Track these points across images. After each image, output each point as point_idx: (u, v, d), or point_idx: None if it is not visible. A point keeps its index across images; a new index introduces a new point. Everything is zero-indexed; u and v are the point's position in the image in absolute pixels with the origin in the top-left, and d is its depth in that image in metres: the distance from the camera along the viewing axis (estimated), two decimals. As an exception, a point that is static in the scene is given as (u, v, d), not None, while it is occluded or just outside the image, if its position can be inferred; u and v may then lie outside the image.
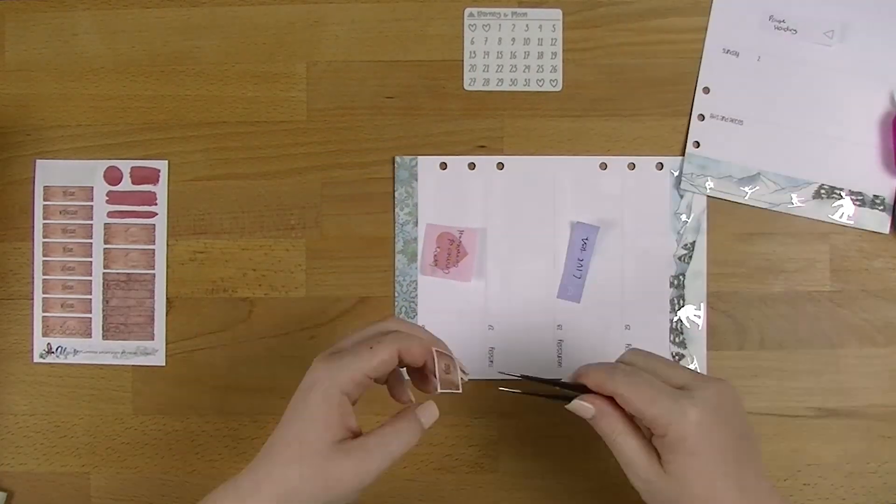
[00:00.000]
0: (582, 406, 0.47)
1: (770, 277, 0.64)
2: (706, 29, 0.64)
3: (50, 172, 0.66)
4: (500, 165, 0.64)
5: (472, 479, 0.64)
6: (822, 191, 0.63)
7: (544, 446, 0.64)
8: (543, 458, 0.64)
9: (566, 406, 0.48)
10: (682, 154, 0.64)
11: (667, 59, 0.64)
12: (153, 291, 0.65)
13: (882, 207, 0.63)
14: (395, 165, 0.65)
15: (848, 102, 0.63)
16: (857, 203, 0.63)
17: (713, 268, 0.64)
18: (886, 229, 0.63)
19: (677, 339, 0.63)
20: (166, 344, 0.65)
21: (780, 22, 0.63)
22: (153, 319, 0.65)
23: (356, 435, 0.47)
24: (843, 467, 0.63)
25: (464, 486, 0.64)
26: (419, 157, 0.64)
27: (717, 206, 0.64)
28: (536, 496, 0.64)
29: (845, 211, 0.63)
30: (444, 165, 0.64)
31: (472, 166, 0.64)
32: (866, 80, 0.63)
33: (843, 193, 0.63)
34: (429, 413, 0.49)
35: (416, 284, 0.64)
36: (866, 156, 0.63)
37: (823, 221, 0.63)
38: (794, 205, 0.63)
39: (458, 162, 0.64)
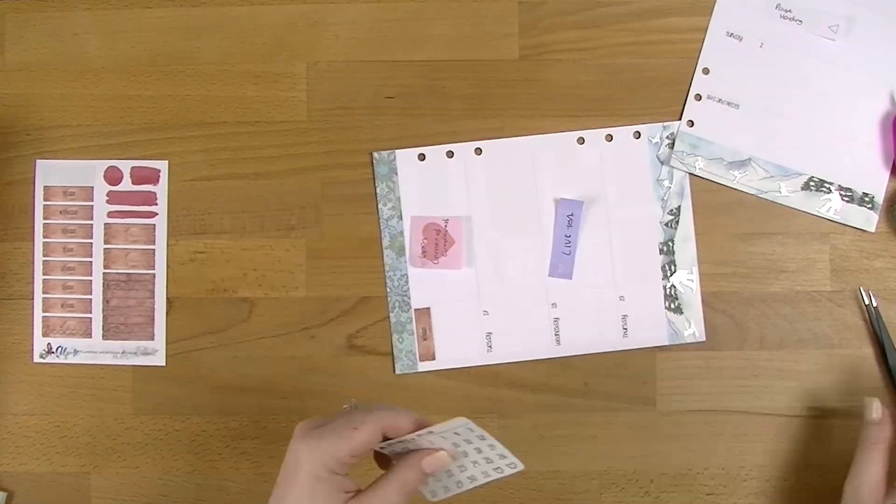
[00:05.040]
0: (875, 405, 0.54)
1: (770, 277, 0.64)
2: (709, 18, 0.64)
3: (50, 172, 0.66)
4: (479, 151, 0.64)
5: (472, 479, 0.64)
6: (812, 183, 0.63)
7: (544, 446, 0.64)
8: (543, 458, 0.64)
9: (866, 398, 0.55)
10: (659, 122, 0.64)
11: (667, 59, 0.64)
12: (153, 291, 0.65)
13: (871, 206, 0.63)
14: (374, 161, 0.65)
15: (846, 98, 0.63)
16: (846, 199, 0.63)
17: (713, 268, 0.64)
18: (873, 227, 0.63)
19: (672, 305, 0.64)
20: (166, 344, 0.65)
21: (786, 11, 0.63)
22: (153, 319, 0.65)
23: (356, 491, 0.45)
24: (843, 467, 0.63)
25: (464, 486, 0.64)
26: (397, 150, 0.64)
27: (718, 206, 0.64)
28: (536, 496, 0.64)
29: (833, 205, 0.63)
30: (422, 157, 0.65)
31: (450, 154, 0.64)
32: (867, 77, 0.63)
33: (832, 188, 0.63)
34: (435, 461, 0.46)
35: (408, 278, 0.64)
36: (860, 153, 0.63)
37: (809, 213, 0.63)
38: (782, 194, 0.63)
39: (436, 151, 0.64)
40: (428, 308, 0.64)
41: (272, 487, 0.65)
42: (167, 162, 0.66)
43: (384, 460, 0.49)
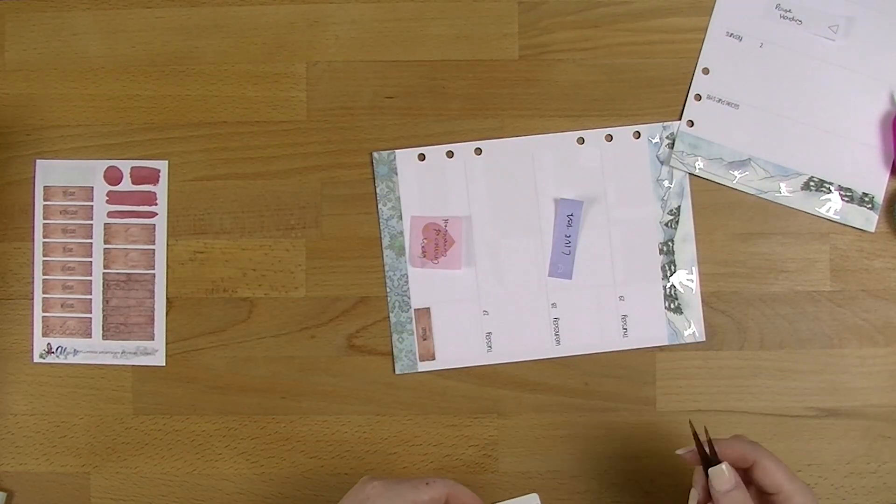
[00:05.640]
0: (724, 474, 0.48)
1: (770, 277, 0.64)
2: (709, 18, 0.64)
3: (50, 172, 0.66)
4: (479, 151, 0.64)
5: (472, 479, 0.64)
6: (812, 183, 0.63)
7: (544, 446, 0.64)
8: (543, 458, 0.64)
9: (710, 469, 0.48)
10: (659, 122, 0.64)
11: (667, 59, 0.64)
12: (153, 291, 0.65)
13: (871, 206, 0.63)
14: (374, 161, 0.65)
15: (846, 98, 0.63)
16: (846, 199, 0.63)
17: (713, 268, 0.64)
18: (872, 227, 0.63)
19: (672, 305, 0.64)
20: (166, 344, 0.65)
21: (786, 11, 0.63)
22: (153, 319, 0.65)
23: None
24: (843, 467, 0.63)
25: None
26: (397, 150, 0.65)
27: (718, 206, 0.64)
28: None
29: (832, 206, 0.63)
30: (422, 157, 0.65)
31: (450, 154, 0.64)
32: (867, 77, 0.63)
33: (832, 188, 0.63)
34: None
35: (407, 278, 0.64)
36: (860, 153, 0.63)
37: (809, 213, 0.63)
38: (782, 194, 0.63)
39: (435, 151, 0.64)
40: (428, 308, 0.64)
41: (272, 487, 0.65)
42: (167, 162, 0.66)
43: None
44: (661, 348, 0.64)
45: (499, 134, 0.64)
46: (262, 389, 0.65)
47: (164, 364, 0.65)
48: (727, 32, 0.64)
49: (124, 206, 0.66)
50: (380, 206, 0.65)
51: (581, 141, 0.64)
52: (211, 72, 0.66)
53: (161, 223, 0.66)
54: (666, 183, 0.64)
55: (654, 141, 0.64)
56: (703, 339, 0.63)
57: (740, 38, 0.64)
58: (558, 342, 0.64)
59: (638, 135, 0.64)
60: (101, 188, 0.66)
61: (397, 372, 0.64)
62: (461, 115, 0.65)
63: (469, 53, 0.65)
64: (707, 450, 0.49)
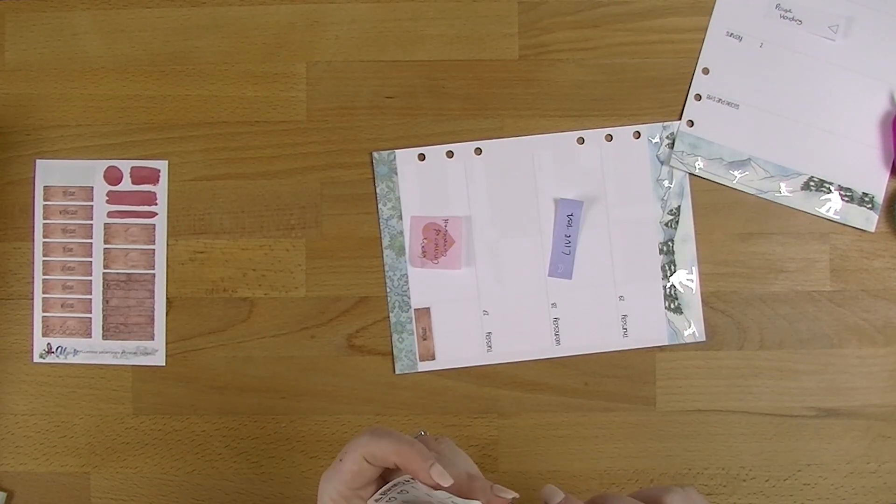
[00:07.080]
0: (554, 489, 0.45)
1: (770, 277, 0.64)
2: (709, 18, 0.64)
3: (50, 172, 0.66)
4: (478, 151, 0.65)
5: (472, 479, 0.64)
6: (812, 183, 0.63)
7: (544, 446, 0.64)
8: (543, 458, 0.64)
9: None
10: (659, 122, 0.64)
11: (667, 59, 0.64)
12: (153, 291, 0.65)
13: (871, 206, 0.63)
14: (374, 161, 0.65)
15: (846, 98, 0.63)
16: (846, 199, 0.63)
17: (713, 268, 0.64)
18: (872, 227, 0.63)
19: (672, 305, 0.64)
20: (166, 344, 0.65)
21: (786, 11, 0.63)
22: (153, 319, 0.65)
23: None
24: (843, 467, 0.63)
25: (464, 486, 0.64)
26: (397, 150, 0.65)
27: (718, 206, 0.64)
28: (536, 496, 0.64)
29: (832, 205, 0.63)
30: (422, 157, 0.65)
31: (450, 154, 0.65)
32: (867, 77, 0.63)
33: (832, 188, 0.63)
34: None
35: (407, 278, 0.64)
36: (860, 153, 0.63)
37: (809, 213, 0.63)
38: (782, 194, 0.63)
39: (436, 151, 0.65)
40: (428, 308, 0.64)
41: (272, 487, 0.65)
42: (167, 162, 0.66)
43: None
44: (661, 348, 0.64)
45: (499, 134, 0.64)
46: (262, 389, 0.65)
47: (164, 364, 0.65)
48: (727, 32, 0.64)
49: (124, 206, 0.66)
50: (380, 206, 0.65)
51: (581, 141, 0.64)
52: (211, 72, 0.66)
53: (161, 223, 0.66)
54: (666, 183, 0.64)
55: (654, 141, 0.64)
56: (703, 338, 0.63)
57: (740, 38, 0.64)
58: (558, 342, 0.64)
59: (638, 135, 0.64)
60: (101, 188, 0.66)
61: (397, 372, 0.64)
62: (461, 115, 0.65)
63: (469, 53, 0.65)
64: None
